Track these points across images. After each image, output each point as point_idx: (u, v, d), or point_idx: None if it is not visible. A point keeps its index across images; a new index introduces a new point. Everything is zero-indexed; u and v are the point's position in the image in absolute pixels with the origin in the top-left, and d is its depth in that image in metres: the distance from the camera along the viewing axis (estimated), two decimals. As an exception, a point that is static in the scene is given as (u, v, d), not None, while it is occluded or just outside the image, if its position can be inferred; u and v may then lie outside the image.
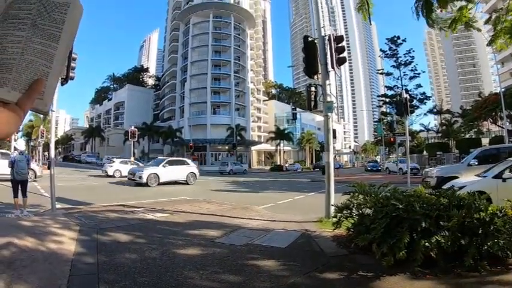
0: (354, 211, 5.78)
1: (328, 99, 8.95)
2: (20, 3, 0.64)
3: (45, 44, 0.63)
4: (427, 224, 4.48)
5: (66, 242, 6.09)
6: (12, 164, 9.51)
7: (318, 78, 9.21)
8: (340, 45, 8.95)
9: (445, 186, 7.81)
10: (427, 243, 4.35)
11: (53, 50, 0.63)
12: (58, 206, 10.02)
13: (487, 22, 7.85)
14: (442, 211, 4.73)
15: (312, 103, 9.43)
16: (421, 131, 68.08)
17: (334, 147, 10.42)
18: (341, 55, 9.02)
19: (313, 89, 9.38)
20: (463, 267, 4.31)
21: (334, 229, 6.08)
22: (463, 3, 6.64)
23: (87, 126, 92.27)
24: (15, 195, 9.28)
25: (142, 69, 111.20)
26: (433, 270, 4.37)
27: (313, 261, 5.18)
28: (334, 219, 6.09)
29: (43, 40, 0.63)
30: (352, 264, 4.90)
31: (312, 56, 8.89)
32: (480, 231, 4.47)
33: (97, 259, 5.13)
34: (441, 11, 7.08)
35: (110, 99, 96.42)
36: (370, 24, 7.50)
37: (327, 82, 8.96)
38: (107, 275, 4.45)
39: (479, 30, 7.71)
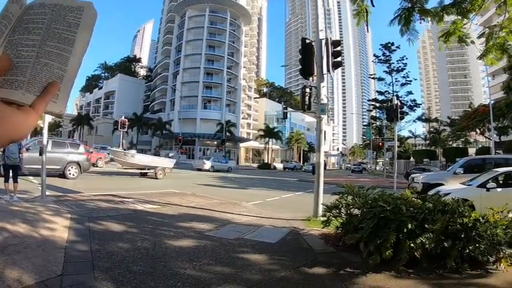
0: (342, 211, 5.96)
1: (322, 101, 9.11)
2: (34, 9, 0.66)
3: (60, 48, 0.64)
4: (412, 226, 4.69)
5: (59, 229, 6.12)
6: (3, 149, 9.47)
7: (313, 80, 9.36)
8: (336, 49, 9.13)
9: (431, 193, 8.05)
10: (412, 244, 4.57)
11: (67, 53, 0.64)
12: (47, 193, 9.99)
13: (480, 36, 8.04)
14: (428, 214, 4.95)
15: (306, 104, 9.58)
16: (409, 137, 69.01)
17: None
18: (337, 59, 9.20)
19: (308, 90, 9.53)
20: (445, 269, 4.55)
21: (323, 227, 6.25)
22: (453, 17, 6.81)
23: (76, 113, 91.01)
24: (6, 180, 9.24)
25: (135, 60, 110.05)
26: (416, 270, 4.59)
27: (302, 257, 5.35)
28: (323, 218, 6.27)
29: (57, 44, 0.64)
30: (339, 261, 5.09)
31: (309, 58, 9.01)
32: (463, 236, 4.71)
33: (90, 247, 5.20)
34: (420, 22, 7.25)
35: (101, 87, 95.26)
36: (368, 31, 7.57)
37: (322, 84, 9.11)
38: (101, 262, 4.53)
39: (473, 42, 7.86)
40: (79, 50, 0.65)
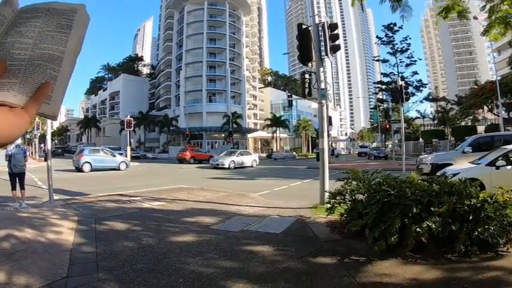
0: (347, 197, 5.85)
1: (322, 86, 8.98)
2: (27, 13, 0.67)
3: (53, 49, 0.64)
4: (418, 210, 4.54)
5: (65, 232, 6.17)
6: (9, 158, 9.55)
7: (312, 66, 9.23)
8: (334, 32, 8.95)
9: (439, 173, 7.92)
10: (418, 229, 4.42)
11: (60, 54, 0.64)
12: (56, 197, 10.08)
13: (483, 9, 7.81)
14: (434, 197, 4.79)
15: (306, 90, 9.47)
16: (416, 117, 68.29)
17: (330, 134, 10.45)
18: (335, 42, 9.03)
19: (307, 76, 9.41)
20: (453, 253, 4.41)
21: (328, 215, 6.17)
22: None
23: (83, 117, 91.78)
24: (13, 188, 9.31)
25: (137, 58, 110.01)
26: (424, 255, 4.46)
27: (306, 246, 5.28)
28: (328, 205, 6.18)
29: (50, 45, 0.64)
30: (344, 249, 5.00)
31: (306, 43, 8.88)
32: (471, 218, 4.54)
33: (96, 248, 5.23)
34: None
35: (105, 89, 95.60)
36: (363, 11, 7.39)
37: (321, 69, 8.99)
38: (106, 262, 4.55)
39: (475, 18, 7.63)
40: (72, 50, 0.66)
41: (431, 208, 4.63)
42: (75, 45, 0.66)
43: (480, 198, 4.71)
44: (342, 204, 5.92)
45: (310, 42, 8.82)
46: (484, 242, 4.49)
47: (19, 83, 0.61)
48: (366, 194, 5.45)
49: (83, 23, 0.68)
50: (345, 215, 5.74)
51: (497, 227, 4.47)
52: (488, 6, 7.12)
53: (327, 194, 6.41)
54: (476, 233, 4.45)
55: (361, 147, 68.55)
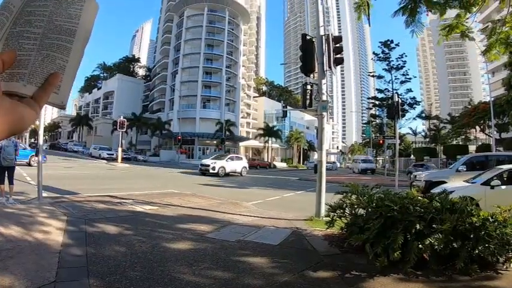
0: (347, 211, 5.79)
1: (324, 98, 8.93)
2: (35, 2, 0.65)
3: (61, 39, 0.64)
4: (421, 226, 4.53)
5: (54, 232, 5.97)
6: None
7: (314, 77, 9.18)
8: (338, 45, 8.96)
9: (434, 191, 7.90)
10: (420, 245, 4.40)
11: (69, 44, 0.64)
12: (45, 194, 9.83)
13: (483, 30, 7.89)
14: (436, 214, 4.78)
15: (307, 101, 9.39)
16: (407, 134, 68.96)
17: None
18: (338, 55, 9.02)
19: (309, 87, 9.35)
20: (454, 270, 4.39)
21: (327, 228, 6.07)
22: (457, 11, 6.67)
23: (75, 114, 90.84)
24: (1, 182, 9.06)
25: (134, 59, 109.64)
26: (425, 272, 4.42)
27: (305, 260, 5.17)
28: (327, 218, 6.09)
29: (59, 35, 0.64)
30: (345, 263, 4.91)
31: (310, 54, 8.85)
32: (472, 236, 4.55)
33: (86, 251, 5.03)
34: (427, 14, 7.11)
35: (100, 88, 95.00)
36: (370, 25, 7.39)
37: (323, 81, 8.93)
38: (97, 268, 4.35)
39: (473, 39, 7.78)
40: (81, 40, 0.66)
41: (434, 225, 4.61)
42: (83, 35, 0.66)
43: (481, 217, 4.72)
44: (341, 218, 5.84)
45: (313, 54, 8.79)
46: (483, 260, 4.51)
47: (28, 73, 0.60)
48: (366, 209, 5.38)
49: (92, 13, 0.68)
50: (345, 229, 5.65)
51: (498, 245, 4.47)
52: (489, 27, 7.21)
53: (326, 207, 6.32)
54: (477, 251, 4.46)
55: (364, 161, 47.83)
